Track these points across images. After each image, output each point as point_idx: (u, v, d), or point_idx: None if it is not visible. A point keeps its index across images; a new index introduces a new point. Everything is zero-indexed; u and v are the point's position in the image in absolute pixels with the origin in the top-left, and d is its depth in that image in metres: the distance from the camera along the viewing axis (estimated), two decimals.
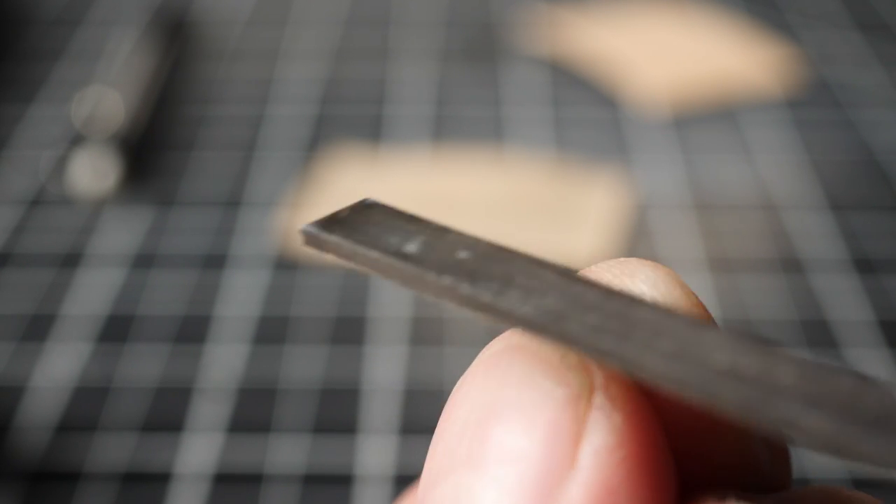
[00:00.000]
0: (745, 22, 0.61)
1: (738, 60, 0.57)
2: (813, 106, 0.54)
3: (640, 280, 0.12)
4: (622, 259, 0.12)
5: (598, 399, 0.11)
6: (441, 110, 0.54)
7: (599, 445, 0.11)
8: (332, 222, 0.12)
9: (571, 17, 0.62)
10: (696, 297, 0.12)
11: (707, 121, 0.53)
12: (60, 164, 0.48)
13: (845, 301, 0.42)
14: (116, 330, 0.41)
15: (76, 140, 0.48)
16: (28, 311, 0.42)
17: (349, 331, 0.41)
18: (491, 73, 0.57)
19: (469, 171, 0.49)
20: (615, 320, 0.10)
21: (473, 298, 0.11)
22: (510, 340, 0.12)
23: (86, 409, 0.38)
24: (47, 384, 0.39)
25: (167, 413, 0.37)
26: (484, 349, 0.12)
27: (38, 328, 0.41)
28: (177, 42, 0.58)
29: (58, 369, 0.39)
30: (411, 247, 0.12)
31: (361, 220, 0.12)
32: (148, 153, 0.50)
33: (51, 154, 0.50)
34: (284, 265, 0.44)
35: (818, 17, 0.62)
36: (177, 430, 0.37)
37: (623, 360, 0.10)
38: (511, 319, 0.11)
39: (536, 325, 0.11)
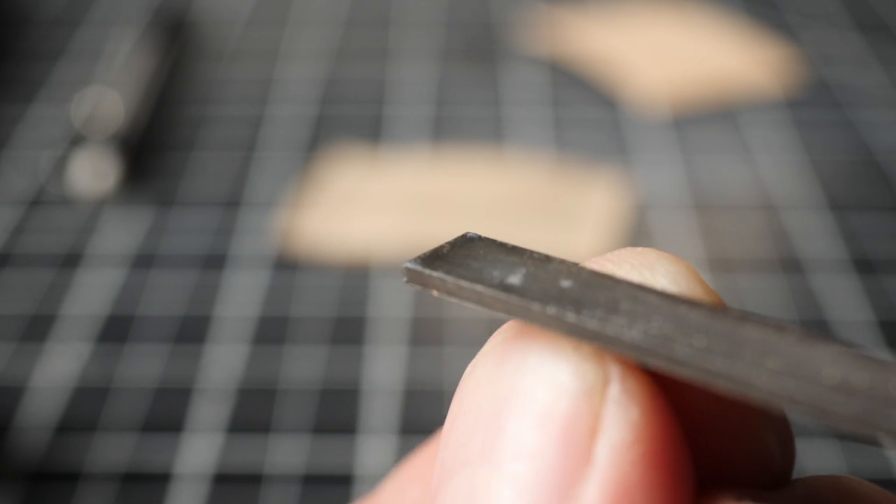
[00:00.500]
0: (745, 22, 0.61)
1: (738, 60, 0.57)
2: (813, 106, 0.54)
3: (661, 274, 0.12)
4: (639, 249, 0.12)
5: (614, 392, 0.11)
6: (441, 110, 0.54)
7: (616, 441, 0.10)
8: (433, 258, 0.12)
9: (571, 17, 0.62)
10: (717, 295, 0.12)
11: (707, 121, 0.53)
12: (60, 164, 0.48)
13: (845, 301, 0.42)
14: (116, 330, 0.41)
15: (76, 140, 0.48)
16: (28, 311, 0.42)
17: (349, 331, 0.41)
18: (491, 73, 0.57)
19: (469, 171, 0.49)
20: (722, 341, 0.10)
21: (580, 327, 0.11)
22: (521, 329, 0.11)
23: (86, 409, 0.38)
24: (47, 384, 0.39)
25: (167, 413, 0.37)
26: (493, 336, 0.12)
27: (38, 328, 0.41)
28: (177, 42, 0.58)
29: (58, 369, 0.39)
30: (514, 279, 0.12)
31: (463, 255, 0.12)
32: (148, 153, 0.50)
33: (51, 154, 0.50)
34: (284, 265, 0.44)
35: (818, 17, 0.62)
36: (177, 430, 0.37)
37: (733, 380, 0.10)
38: (619, 345, 0.11)
39: (645, 350, 0.11)
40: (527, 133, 0.52)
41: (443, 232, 0.45)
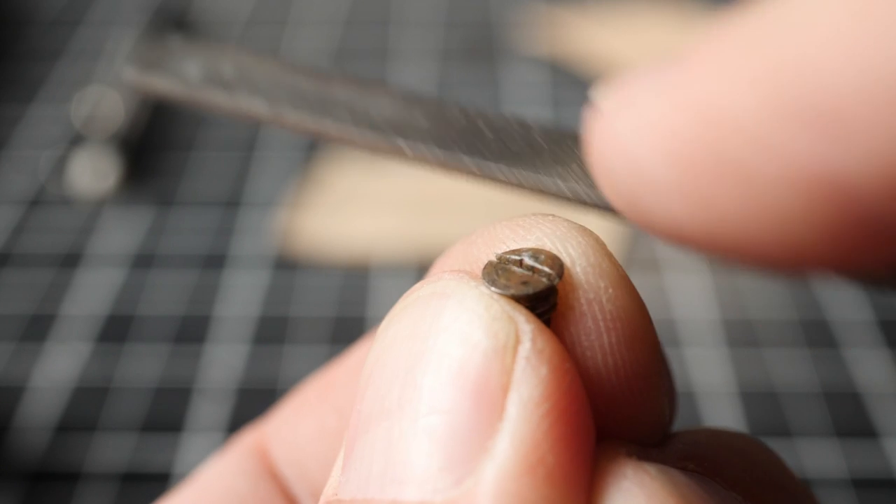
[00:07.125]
0: None
1: None
2: None
3: (571, 247, 0.12)
4: (550, 217, 0.13)
5: (524, 350, 0.11)
6: None
7: (526, 398, 0.11)
8: (146, 64, 0.14)
9: (571, 17, 0.62)
10: (619, 266, 0.12)
11: None
12: (60, 164, 0.48)
13: (845, 301, 0.42)
14: (116, 330, 0.41)
15: (76, 140, 0.48)
16: (28, 311, 0.42)
17: (349, 331, 0.41)
18: (491, 73, 0.57)
19: None
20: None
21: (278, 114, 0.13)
22: (437, 286, 0.12)
23: (86, 409, 0.38)
24: (47, 384, 0.39)
25: (167, 413, 0.37)
26: (409, 292, 0.12)
27: (38, 328, 0.41)
28: None
29: (58, 369, 0.39)
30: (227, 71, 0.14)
31: (167, 56, 0.14)
32: (148, 153, 0.51)
33: (51, 154, 0.50)
34: (284, 265, 0.44)
35: None
36: (177, 430, 0.37)
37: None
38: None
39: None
40: None
41: (443, 232, 0.45)
